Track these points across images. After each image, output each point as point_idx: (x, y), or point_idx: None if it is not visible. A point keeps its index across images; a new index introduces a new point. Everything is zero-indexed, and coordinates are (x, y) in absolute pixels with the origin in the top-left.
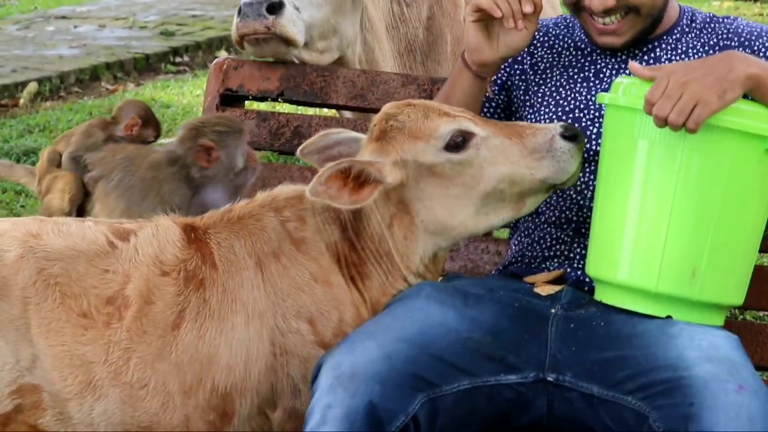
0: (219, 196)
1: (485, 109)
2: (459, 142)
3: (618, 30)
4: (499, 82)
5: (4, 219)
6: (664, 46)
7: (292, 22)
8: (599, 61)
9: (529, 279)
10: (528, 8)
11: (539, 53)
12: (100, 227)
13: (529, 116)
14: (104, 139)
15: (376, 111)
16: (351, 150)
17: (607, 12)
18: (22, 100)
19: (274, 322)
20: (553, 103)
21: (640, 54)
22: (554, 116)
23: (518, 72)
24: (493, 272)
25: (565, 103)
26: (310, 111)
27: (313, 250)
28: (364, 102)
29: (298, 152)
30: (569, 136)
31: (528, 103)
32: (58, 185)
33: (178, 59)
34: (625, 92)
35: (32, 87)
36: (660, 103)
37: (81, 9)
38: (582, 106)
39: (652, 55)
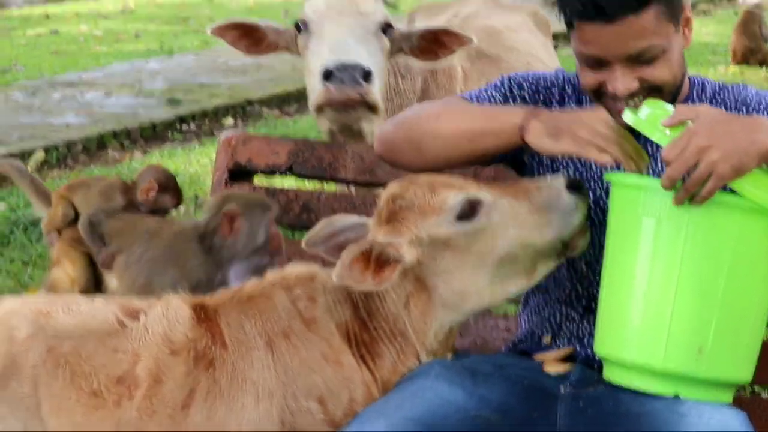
0: (240, 276)
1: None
2: (469, 211)
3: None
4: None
5: (14, 297)
6: None
7: (379, 91)
8: None
9: (538, 357)
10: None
11: (569, 105)
12: (110, 306)
13: (544, 165)
14: (124, 203)
15: (385, 186)
16: (358, 235)
17: (631, 95)
18: (28, 169)
19: (284, 402)
20: (571, 165)
21: None
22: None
23: None
24: (503, 349)
25: (583, 169)
26: (319, 186)
27: (323, 330)
28: (373, 177)
29: (303, 244)
30: (574, 187)
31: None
32: (68, 268)
33: (185, 127)
34: (648, 119)
35: (39, 155)
36: (675, 164)
37: (87, 76)
38: (596, 177)
39: None
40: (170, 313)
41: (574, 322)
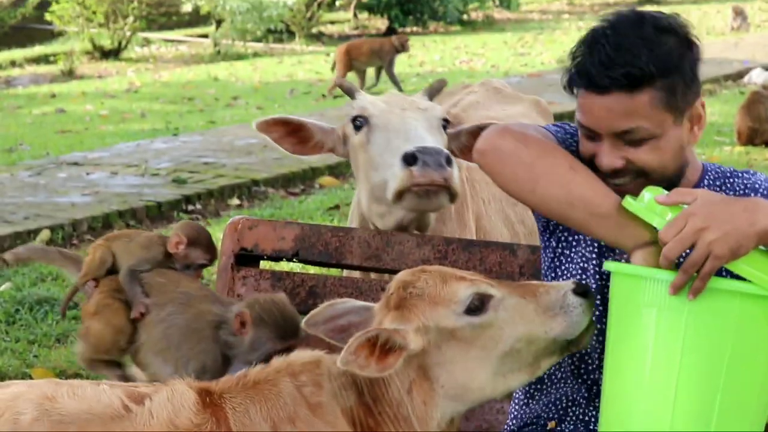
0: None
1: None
2: (478, 305)
3: (630, 192)
4: None
5: (19, 381)
6: None
7: (458, 176)
8: None
9: None
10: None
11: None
12: (115, 390)
13: (565, 241)
14: (163, 256)
15: (390, 272)
16: (361, 319)
17: (617, 174)
18: None
19: None
20: (589, 241)
21: None
22: (585, 253)
23: None
24: None
25: (598, 246)
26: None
27: (329, 415)
28: (379, 262)
29: (303, 324)
30: (580, 292)
31: (567, 231)
32: (112, 321)
33: (190, 207)
34: (648, 205)
35: (45, 234)
36: (672, 244)
37: (93, 155)
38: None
39: None
40: (175, 398)
41: (580, 406)
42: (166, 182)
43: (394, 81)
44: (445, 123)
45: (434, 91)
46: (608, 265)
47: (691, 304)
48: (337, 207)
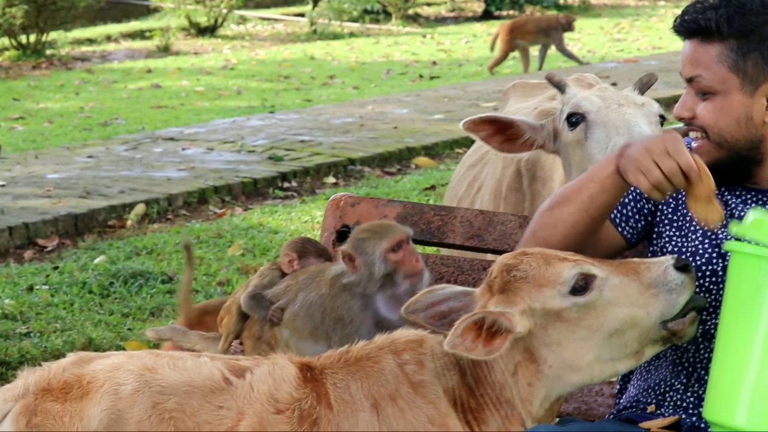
0: (390, 308)
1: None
2: (583, 285)
3: (697, 150)
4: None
5: (119, 353)
6: None
7: None
8: (727, 194)
9: (644, 425)
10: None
11: None
12: (216, 363)
13: (674, 238)
14: (280, 276)
15: (493, 251)
16: (462, 304)
17: (687, 125)
18: (129, 222)
19: None
20: (699, 231)
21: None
22: (700, 244)
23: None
24: (608, 416)
25: (711, 233)
26: (428, 249)
27: (431, 394)
28: (482, 242)
29: (402, 311)
30: (681, 267)
31: (675, 225)
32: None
33: (286, 184)
34: (757, 227)
35: (140, 209)
36: None
37: (189, 131)
38: (723, 239)
39: None
40: (276, 372)
41: (678, 392)
42: (262, 159)
43: (569, 56)
44: (662, 119)
45: (645, 86)
46: (729, 245)
47: None
48: (432, 187)
